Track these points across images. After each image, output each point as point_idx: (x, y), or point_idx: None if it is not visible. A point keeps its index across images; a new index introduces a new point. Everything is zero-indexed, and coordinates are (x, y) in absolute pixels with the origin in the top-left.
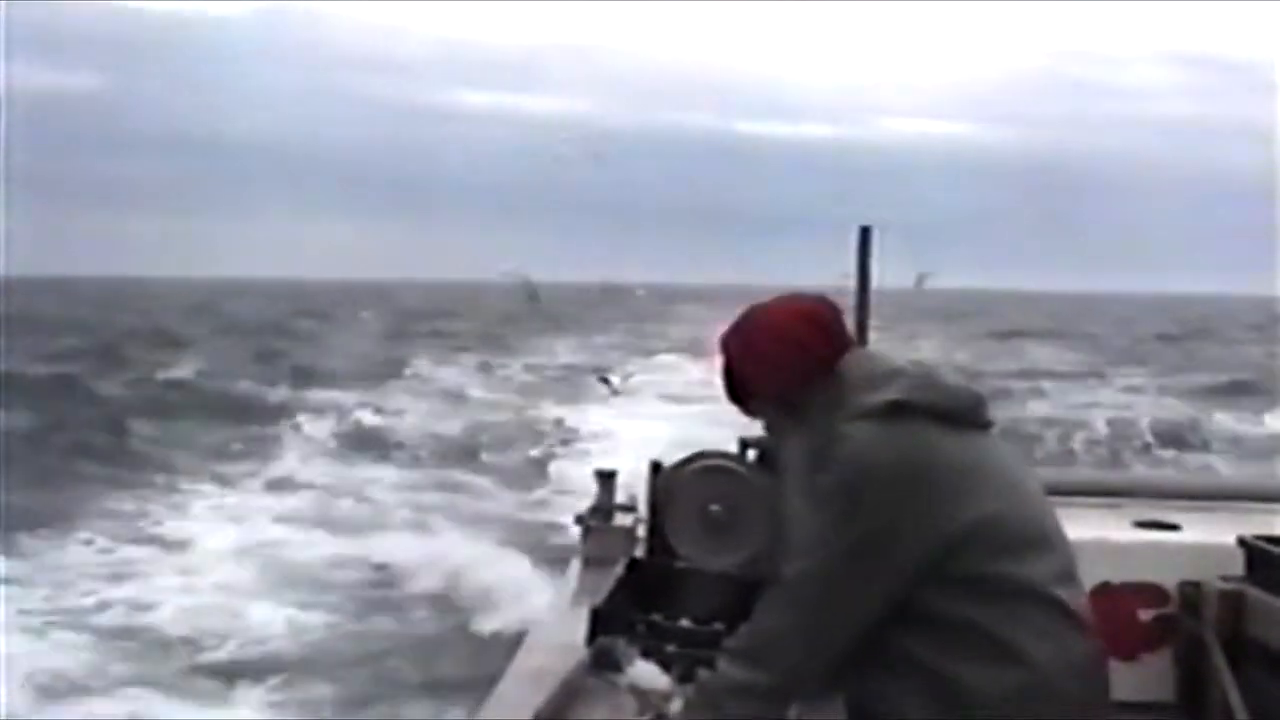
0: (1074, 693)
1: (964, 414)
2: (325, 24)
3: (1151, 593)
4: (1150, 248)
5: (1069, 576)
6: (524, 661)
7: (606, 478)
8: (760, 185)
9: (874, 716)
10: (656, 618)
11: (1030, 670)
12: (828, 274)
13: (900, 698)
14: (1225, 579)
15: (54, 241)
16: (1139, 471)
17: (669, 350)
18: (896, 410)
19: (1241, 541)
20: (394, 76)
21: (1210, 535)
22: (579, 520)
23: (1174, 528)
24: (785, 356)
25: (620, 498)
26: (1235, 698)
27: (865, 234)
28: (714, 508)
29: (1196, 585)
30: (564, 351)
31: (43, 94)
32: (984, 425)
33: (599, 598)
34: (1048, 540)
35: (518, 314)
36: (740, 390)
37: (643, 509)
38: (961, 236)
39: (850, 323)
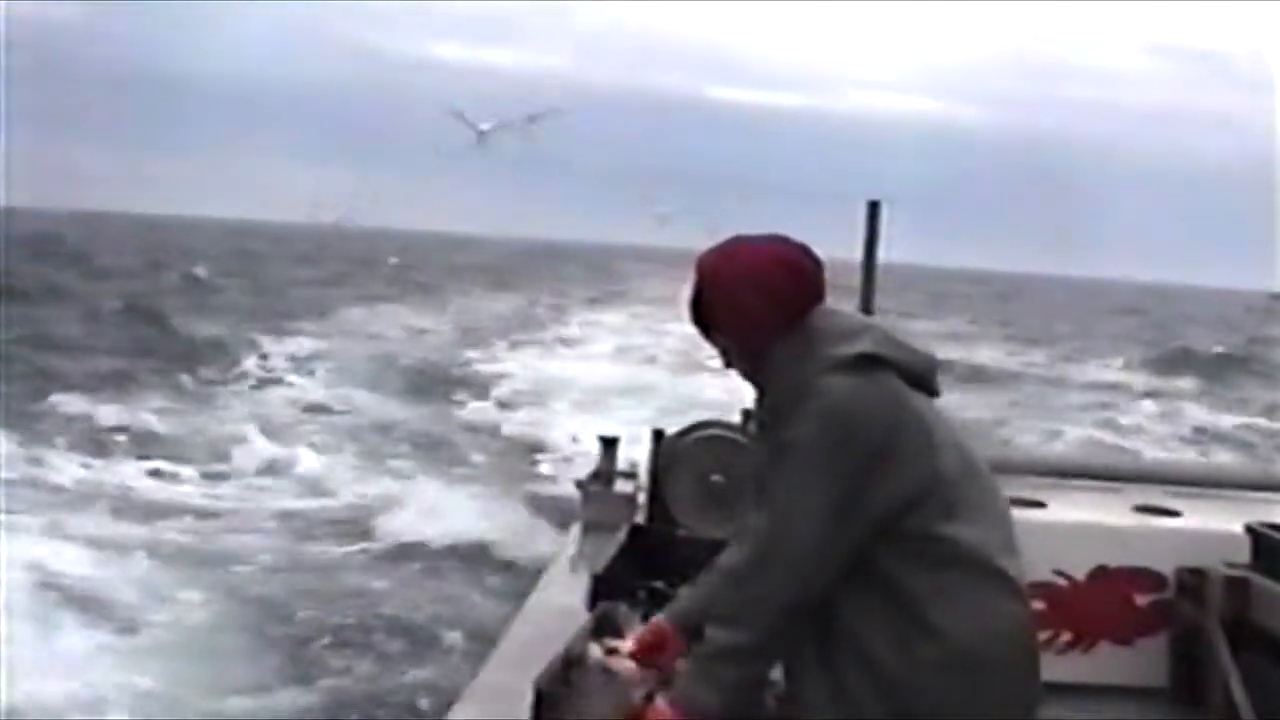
0: (1002, 659)
1: (922, 376)
2: None
3: (1149, 578)
4: (1117, 234)
5: (1011, 547)
6: (524, 624)
7: (609, 444)
8: (731, 150)
9: (805, 684)
10: (658, 584)
11: (949, 643)
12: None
13: (835, 666)
14: (1230, 565)
15: (16, 171)
16: (1141, 457)
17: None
18: (869, 363)
19: (1249, 529)
20: (368, 24)
21: (1209, 522)
22: (580, 485)
23: (1174, 514)
24: (751, 298)
25: (621, 464)
26: (1237, 685)
27: (874, 209)
28: (715, 477)
29: (1196, 571)
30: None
31: (19, 23)
32: (934, 392)
33: (600, 563)
34: (995, 510)
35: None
36: (703, 314)
37: (644, 476)
38: (926, 212)
39: (852, 295)
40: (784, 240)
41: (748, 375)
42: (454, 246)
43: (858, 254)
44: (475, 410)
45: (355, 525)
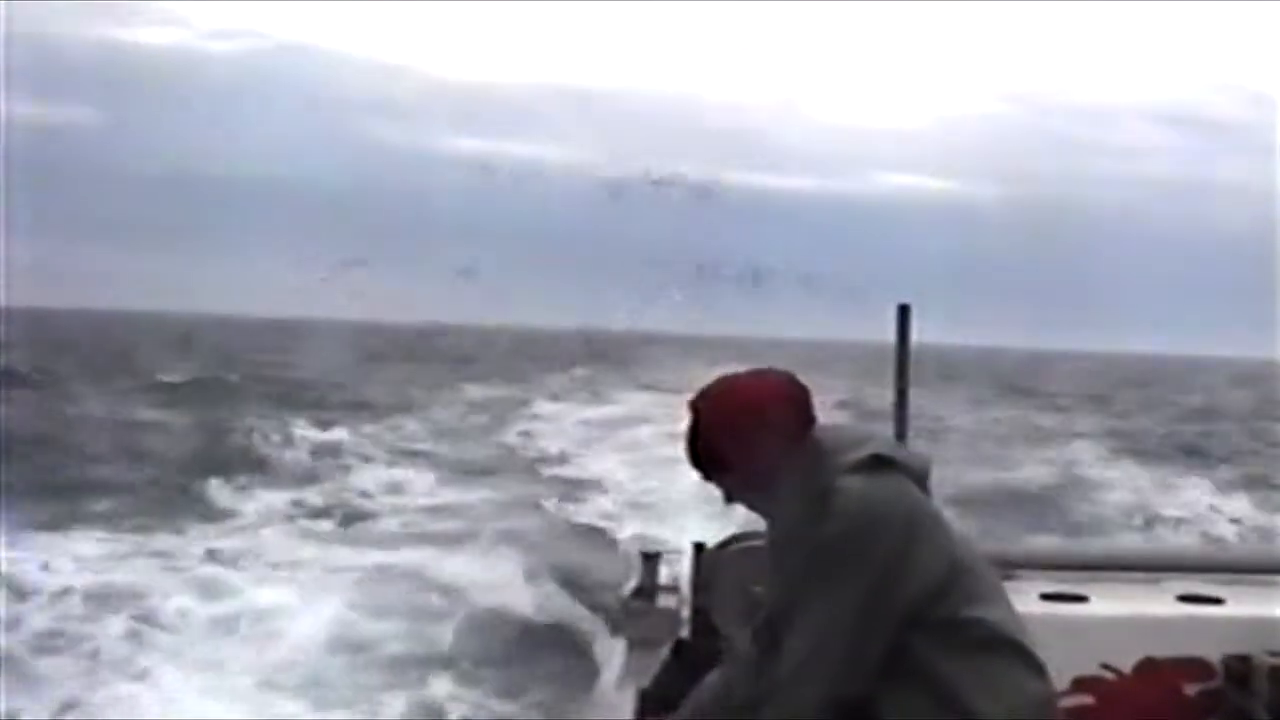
0: None
1: (921, 477)
2: (322, 64)
3: (1197, 667)
4: (1133, 307)
5: (1020, 622)
6: None
7: (650, 559)
8: (748, 236)
9: None
10: None
11: None
12: (807, 326)
13: None
14: (1275, 654)
15: (44, 274)
16: (1179, 544)
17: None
18: (881, 464)
19: None
20: (390, 118)
21: (1255, 609)
22: (622, 601)
23: (1218, 601)
24: (754, 431)
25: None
26: None
27: (904, 312)
28: (757, 588)
29: (1243, 659)
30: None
31: (35, 126)
32: (929, 491)
33: (646, 679)
34: (1002, 590)
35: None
36: (706, 459)
37: (686, 590)
38: (950, 293)
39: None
40: (770, 372)
41: (755, 507)
42: (466, 335)
43: (875, 337)
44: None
45: None
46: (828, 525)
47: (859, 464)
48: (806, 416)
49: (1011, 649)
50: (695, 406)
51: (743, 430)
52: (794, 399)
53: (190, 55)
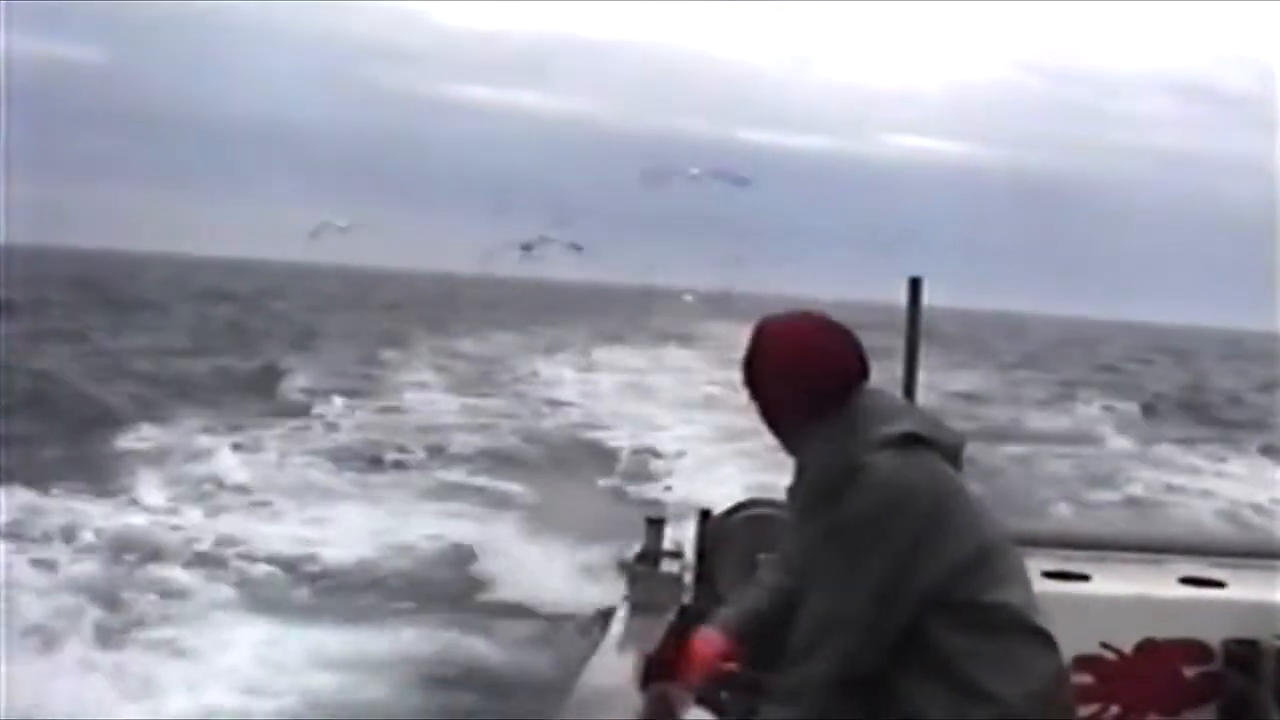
0: (1046, 717)
1: (955, 453)
2: (331, 8)
3: (1196, 649)
4: (1139, 277)
5: (1035, 602)
6: (576, 707)
7: (654, 524)
8: (762, 193)
9: None
10: None
11: (1001, 708)
12: (811, 285)
13: None
14: None
15: (49, 212)
16: (1183, 527)
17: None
18: (913, 442)
19: None
20: (400, 66)
21: (1256, 593)
22: (626, 566)
23: (1219, 584)
24: (793, 389)
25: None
26: None
27: (915, 285)
28: (762, 556)
29: (1246, 643)
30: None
31: (43, 65)
32: (960, 468)
33: (649, 644)
34: (1023, 571)
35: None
36: (749, 379)
37: (690, 556)
38: (954, 256)
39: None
40: (834, 326)
41: (786, 448)
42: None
43: (879, 297)
44: None
45: None
46: (853, 502)
47: (891, 440)
48: (846, 379)
49: (1030, 632)
50: (757, 334)
51: (784, 378)
52: (840, 357)
53: None
